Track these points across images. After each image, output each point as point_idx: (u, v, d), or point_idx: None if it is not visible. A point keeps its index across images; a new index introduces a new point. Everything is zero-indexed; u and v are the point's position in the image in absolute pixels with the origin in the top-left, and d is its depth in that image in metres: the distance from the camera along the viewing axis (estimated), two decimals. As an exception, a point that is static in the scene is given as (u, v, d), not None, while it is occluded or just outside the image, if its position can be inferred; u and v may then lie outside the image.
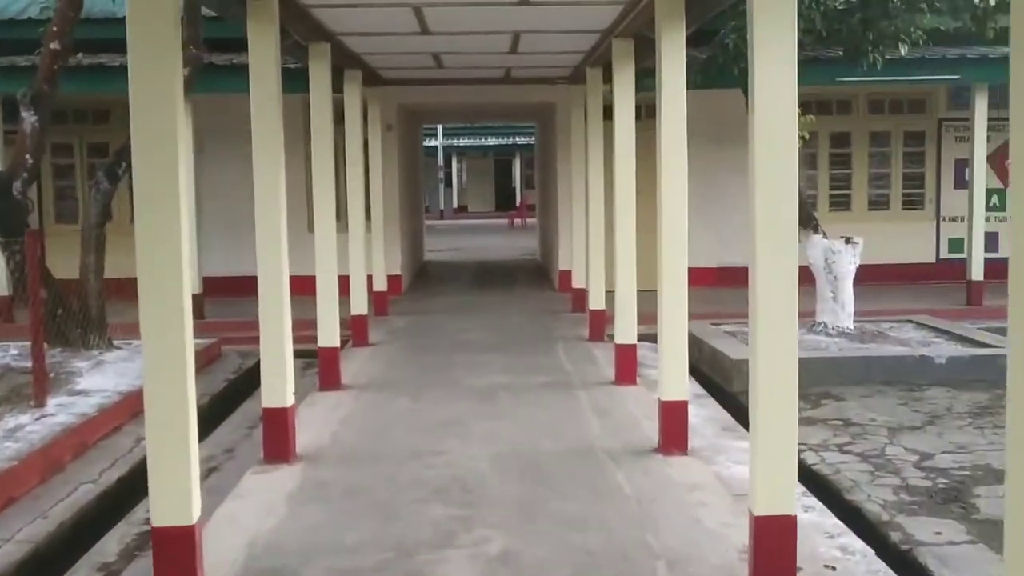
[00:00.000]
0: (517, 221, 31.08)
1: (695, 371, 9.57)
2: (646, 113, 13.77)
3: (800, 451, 6.94)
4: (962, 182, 13.13)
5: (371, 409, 7.04)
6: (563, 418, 6.68)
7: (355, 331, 9.70)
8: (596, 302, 9.72)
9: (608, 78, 9.66)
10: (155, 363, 3.75)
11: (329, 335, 7.68)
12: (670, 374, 5.81)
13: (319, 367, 7.76)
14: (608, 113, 10.22)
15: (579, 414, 6.79)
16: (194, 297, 11.29)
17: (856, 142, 14.11)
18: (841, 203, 14.08)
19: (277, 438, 5.68)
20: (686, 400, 5.85)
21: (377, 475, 5.41)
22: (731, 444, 6.45)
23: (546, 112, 14.95)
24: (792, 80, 3.86)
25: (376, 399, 7.36)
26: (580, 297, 11.56)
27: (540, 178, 18.42)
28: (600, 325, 9.74)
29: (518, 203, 38.43)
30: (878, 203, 14.07)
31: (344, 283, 9.61)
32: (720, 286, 13.63)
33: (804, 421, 7.46)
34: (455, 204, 40.76)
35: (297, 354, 10.26)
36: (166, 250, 3.75)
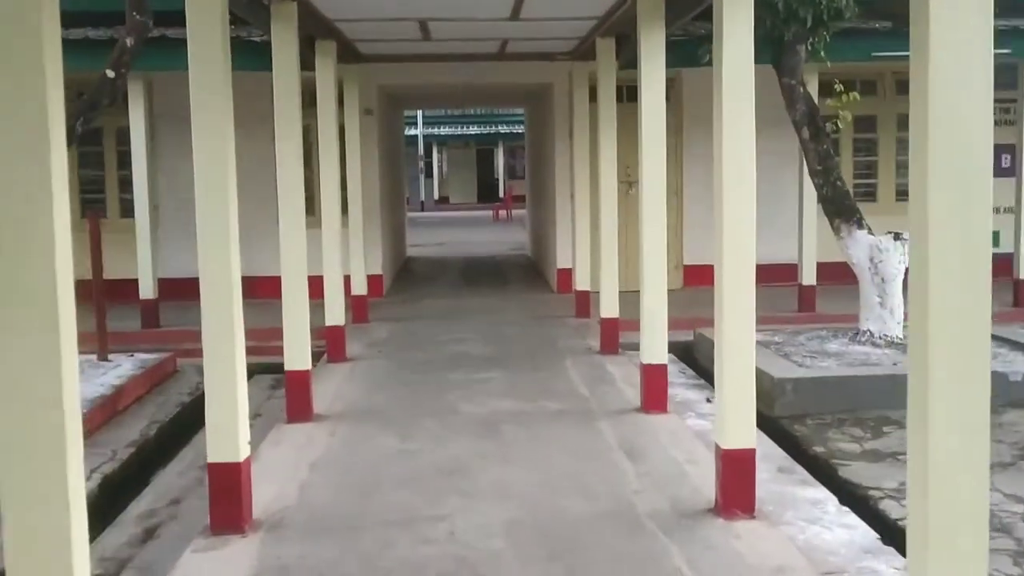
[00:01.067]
0: (502, 213, 29.74)
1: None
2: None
3: (877, 498, 5.75)
4: (1003, 170, 11.94)
5: (349, 449, 5.74)
6: (587, 462, 5.40)
7: (331, 344, 8.40)
8: (609, 309, 8.45)
9: (620, 50, 8.39)
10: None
11: (297, 355, 6.38)
12: (733, 417, 4.55)
13: (287, 394, 6.45)
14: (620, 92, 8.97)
15: (606, 456, 5.51)
16: (148, 303, 9.97)
17: (882, 126, 12.90)
18: (866, 193, 12.85)
19: (226, 503, 4.38)
20: (753, 448, 4.58)
21: (357, 554, 4.12)
22: (796, 494, 5.21)
23: (541, 95, 13.64)
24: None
25: (355, 435, 6.05)
26: (584, 301, 10.29)
27: (531, 167, 17.13)
28: (613, 336, 8.48)
29: (502, 194, 37.11)
30: (906, 193, 12.84)
31: (318, 285, 8.35)
32: (763, 283, 12.40)
33: (870, 456, 6.23)
34: (436, 195, 39.42)
35: (264, 368, 9.02)
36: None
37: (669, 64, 6.40)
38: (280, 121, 6.33)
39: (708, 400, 7.40)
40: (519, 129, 38.39)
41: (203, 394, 8.49)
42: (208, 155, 4.49)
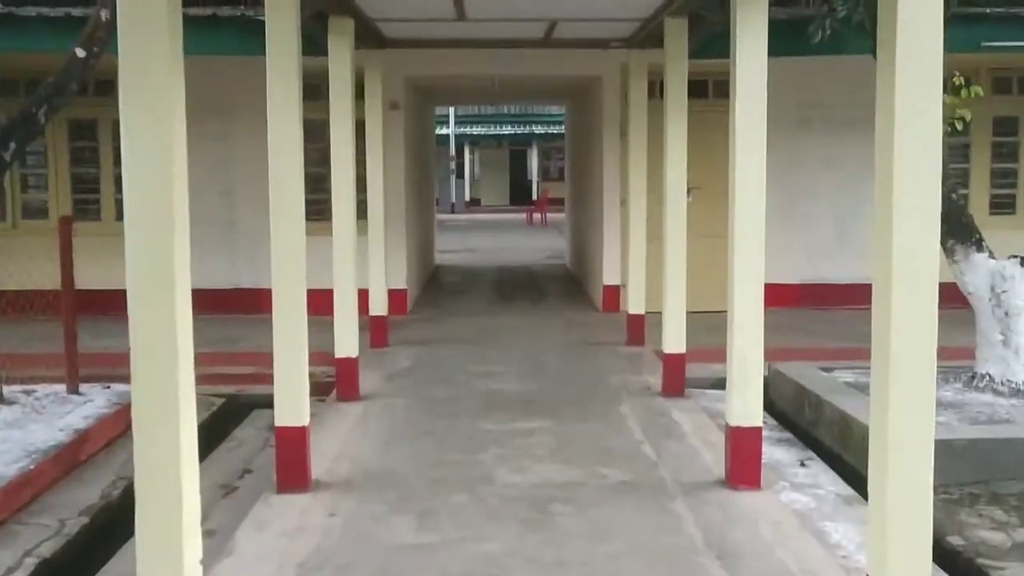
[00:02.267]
0: (536, 217, 28.35)
1: (805, 437, 6.91)
2: (714, 90, 11.09)
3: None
4: None
5: (351, 542, 4.37)
6: (670, 571, 4.01)
7: (341, 379, 7.07)
8: (674, 341, 7.07)
9: (691, 35, 7.00)
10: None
11: (290, 406, 5.05)
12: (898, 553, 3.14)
13: (277, 456, 5.11)
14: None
15: (691, 562, 4.11)
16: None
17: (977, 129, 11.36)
18: (1002, 205, 11.31)
19: None
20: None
21: None
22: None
23: (587, 90, 12.25)
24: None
25: (361, 516, 4.69)
26: (637, 326, 8.89)
27: (572, 169, 15.72)
28: (678, 375, 7.09)
29: (536, 197, 35.73)
30: (1001, 205, 11.32)
31: (331, 300, 7.07)
32: (806, 305, 10.98)
33: (1020, 553, 4.81)
34: (467, 197, 38.10)
35: (257, 402, 7.70)
36: None
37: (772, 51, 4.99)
38: (274, 108, 5.00)
39: (802, 464, 5.99)
40: (554, 129, 37.06)
41: (190, 435, 7.24)
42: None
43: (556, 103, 18.39)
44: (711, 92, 10.94)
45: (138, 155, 3.04)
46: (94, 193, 11.09)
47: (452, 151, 35.68)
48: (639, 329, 8.88)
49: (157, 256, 3.05)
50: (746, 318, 5.02)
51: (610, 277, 10.86)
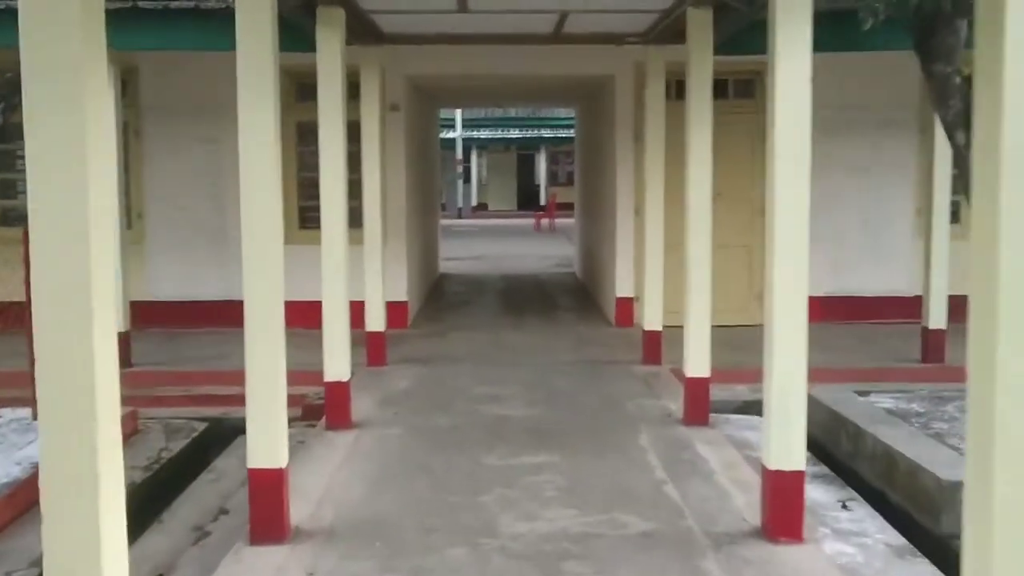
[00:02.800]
0: (544, 222, 27.71)
1: (841, 469, 6.26)
2: (733, 90, 10.46)
3: None
4: None
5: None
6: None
7: (330, 405, 6.45)
8: (698, 364, 6.43)
9: (721, 27, 6.37)
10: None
11: (265, 448, 4.42)
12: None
13: (251, 503, 4.48)
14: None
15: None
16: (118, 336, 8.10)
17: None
18: None
19: None
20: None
21: None
22: None
23: (598, 90, 11.63)
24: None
25: None
26: (653, 344, 8.25)
27: (582, 175, 15.08)
28: (702, 401, 6.45)
29: (544, 202, 35.12)
30: None
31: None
32: (830, 319, 10.31)
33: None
34: (474, 202, 37.49)
35: (243, 427, 7.09)
36: None
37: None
38: (246, 104, 4.40)
39: (844, 506, 5.34)
40: (563, 133, 36.44)
41: (165, 467, 6.61)
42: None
43: (565, 106, 17.75)
44: (731, 92, 10.30)
45: (40, 156, 2.40)
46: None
47: (459, 155, 35.07)
48: (655, 346, 8.24)
49: (67, 273, 2.42)
50: (788, 343, 4.39)
51: (623, 289, 10.23)
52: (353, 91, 7.99)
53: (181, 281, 10.12)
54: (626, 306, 10.22)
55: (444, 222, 30.89)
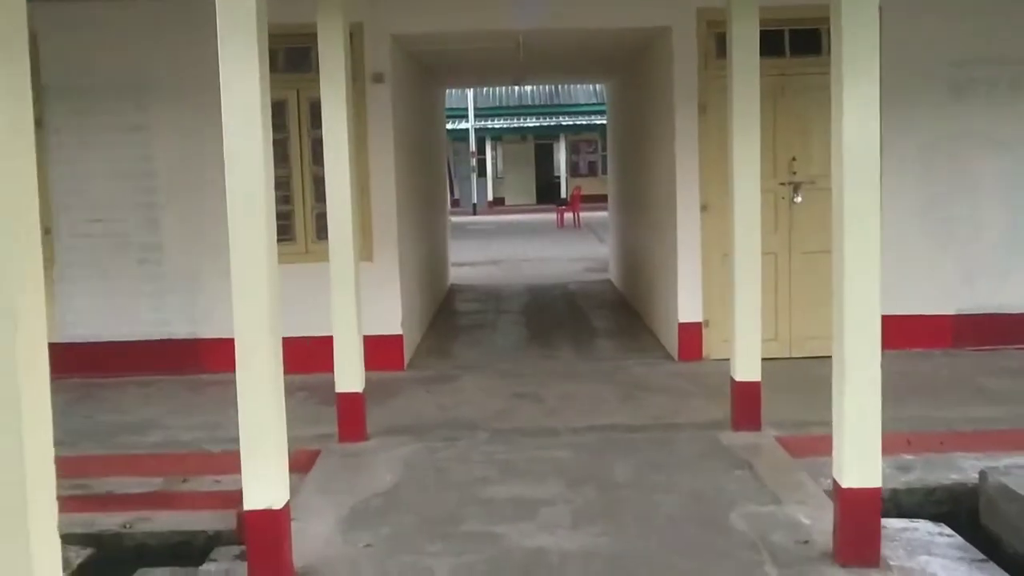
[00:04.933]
0: (568, 217, 25.16)
1: None
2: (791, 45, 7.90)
3: None
4: None
5: None
6: None
7: (253, 548, 3.92)
8: (859, 465, 3.88)
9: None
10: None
11: None
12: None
13: None
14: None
15: None
16: None
17: None
18: None
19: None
20: None
21: None
22: None
23: (643, 52, 9.06)
24: None
25: None
26: (749, 400, 5.73)
27: (619, 161, 12.46)
28: (869, 525, 3.90)
29: (564, 194, 32.57)
30: None
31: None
32: (964, 345, 7.80)
33: None
34: (490, 196, 34.97)
35: (150, 549, 4.61)
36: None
37: None
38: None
39: None
40: (583, 120, 33.88)
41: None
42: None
43: (595, 80, 15.15)
44: (787, 48, 7.72)
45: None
46: None
47: (472, 147, 32.56)
48: (752, 404, 5.72)
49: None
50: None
51: (688, 311, 7.69)
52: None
53: (101, 316, 7.67)
54: (692, 335, 7.69)
55: (458, 219, 28.41)
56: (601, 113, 33.14)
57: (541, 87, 34.29)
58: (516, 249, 18.81)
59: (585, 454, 5.39)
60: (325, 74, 5.59)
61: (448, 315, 10.66)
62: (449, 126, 31.54)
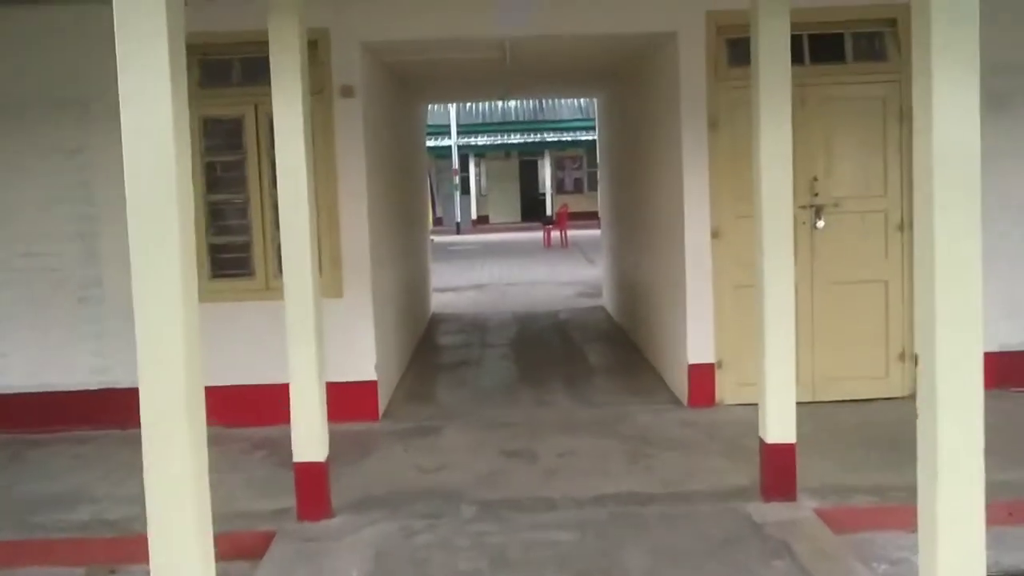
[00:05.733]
0: (555, 236, 24.34)
1: None
2: (854, 48, 7.11)
3: None
4: None
5: None
6: None
7: None
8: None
9: None
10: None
11: None
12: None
13: None
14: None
15: None
16: None
17: None
18: None
19: None
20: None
21: None
22: None
23: (643, 61, 8.22)
24: None
25: None
26: (782, 464, 4.85)
27: (612, 178, 11.58)
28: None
29: (550, 212, 31.76)
30: None
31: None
32: (1008, 385, 7.01)
33: None
34: (474, 215, 34.11)
35: None
36: None
37: None
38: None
39: None
40: (568, 137, 33.10)
41: None
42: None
43: (586, 93, 14.29)
44: (848, 52, 6.92)
45: None
46: None
47: (455, 165, 31.72)
48: (785, 467, 4.85)
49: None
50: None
51: (698, 351, 6.84)
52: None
53: (33, 363, 6.75)
54: (704, 377, 6.83)
55: (441, 239, 27.57)
56: (587, 129, 32.41)
57: (525, 103, 33.55)
58: (502, 272, 17.93)
59: (591, 535, 4.50)
60: (278, 86, 4.73)
61: (429, 350, 9.77)
62: (431, 143, 30.73)
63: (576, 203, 30.70)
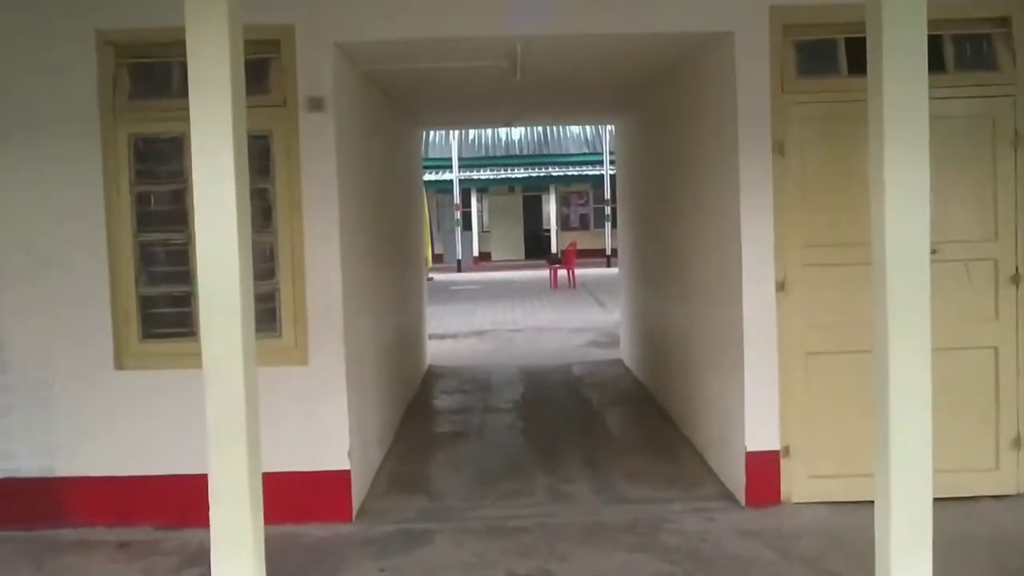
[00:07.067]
0: (562, 275, 22.92)
1: None
2: (956, 55, 5.69)
3: None
4: None
5: None
6: None
7: None
8: None
9: None
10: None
11: None
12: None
13: None
14: None
15: None
16: None
17: None
18: None
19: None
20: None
21: None
22: None
23: (684, 70, 6.80)
24: None
25: None
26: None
27: (635, 214, 10.15)
28: None
29: (556, 250, 30.41)
30: None
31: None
32: None
33: None
34: (475, 251, 32.74)
35: None
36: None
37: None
38: None
39: None
40: (574, 171, 31.80)
41: None
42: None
43: (604, 117, 12.86)
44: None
45: None
46: None
47: (457, 199, 30.40)
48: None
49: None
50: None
51: (760, 436, 5.38)
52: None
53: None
54: (766, 467, 5.37)
55: (441, 277, 26.12)
56: (593, 163, 31.16)
57: (530, 135, 32.36)
58: (506, 315, 16.48)
59: None
60: (195, 91, 3.33)
61: (422, 416, 8.29)
62: (432, 176, 29.43)
63: (582, 240, 29.36)
